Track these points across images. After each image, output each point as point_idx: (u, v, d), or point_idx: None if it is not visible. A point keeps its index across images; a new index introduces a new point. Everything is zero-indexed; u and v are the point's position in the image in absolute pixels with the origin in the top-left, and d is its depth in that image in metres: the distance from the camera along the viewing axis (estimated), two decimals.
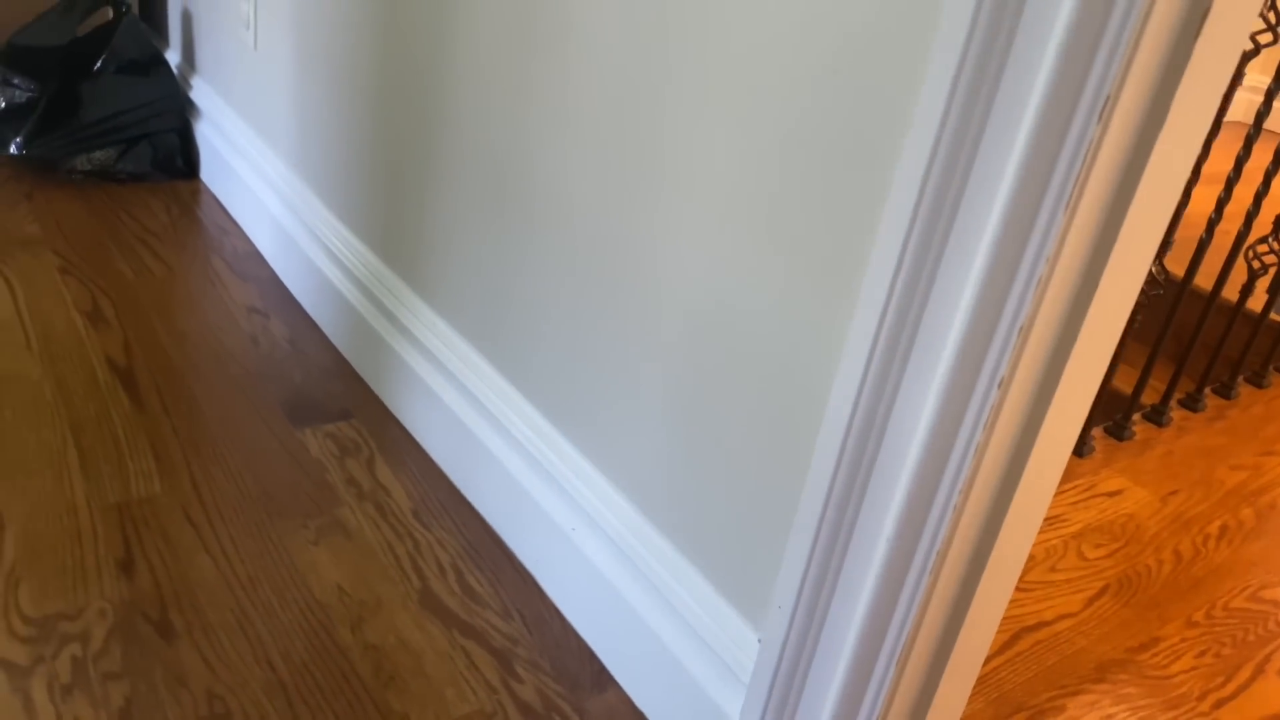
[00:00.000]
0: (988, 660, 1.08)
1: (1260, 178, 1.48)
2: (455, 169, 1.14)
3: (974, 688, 1.03)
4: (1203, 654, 1.13)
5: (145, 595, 0.99)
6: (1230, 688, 1.09)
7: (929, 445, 0.65)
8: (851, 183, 0.68)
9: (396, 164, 1.26)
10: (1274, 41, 1.25)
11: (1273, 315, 1.74)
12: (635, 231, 0.88)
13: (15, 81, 1.79)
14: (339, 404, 1.34)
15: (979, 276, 0.59)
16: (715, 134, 0.78)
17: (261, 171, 1.66)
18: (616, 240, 0.91)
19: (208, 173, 1.92)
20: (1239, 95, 3.42)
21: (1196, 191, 1.40)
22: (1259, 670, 1.12)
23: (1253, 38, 1.25)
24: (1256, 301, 1.74)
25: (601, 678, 0.98)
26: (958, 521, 0.66)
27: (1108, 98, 0.51)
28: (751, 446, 0.81)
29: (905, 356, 0.65)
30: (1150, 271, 1.37)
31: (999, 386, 0.61)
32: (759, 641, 0.83)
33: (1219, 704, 1.07)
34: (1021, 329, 0.59)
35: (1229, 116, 3.39)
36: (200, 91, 1.92)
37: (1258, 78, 3.34)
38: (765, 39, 0.72)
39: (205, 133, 1.89)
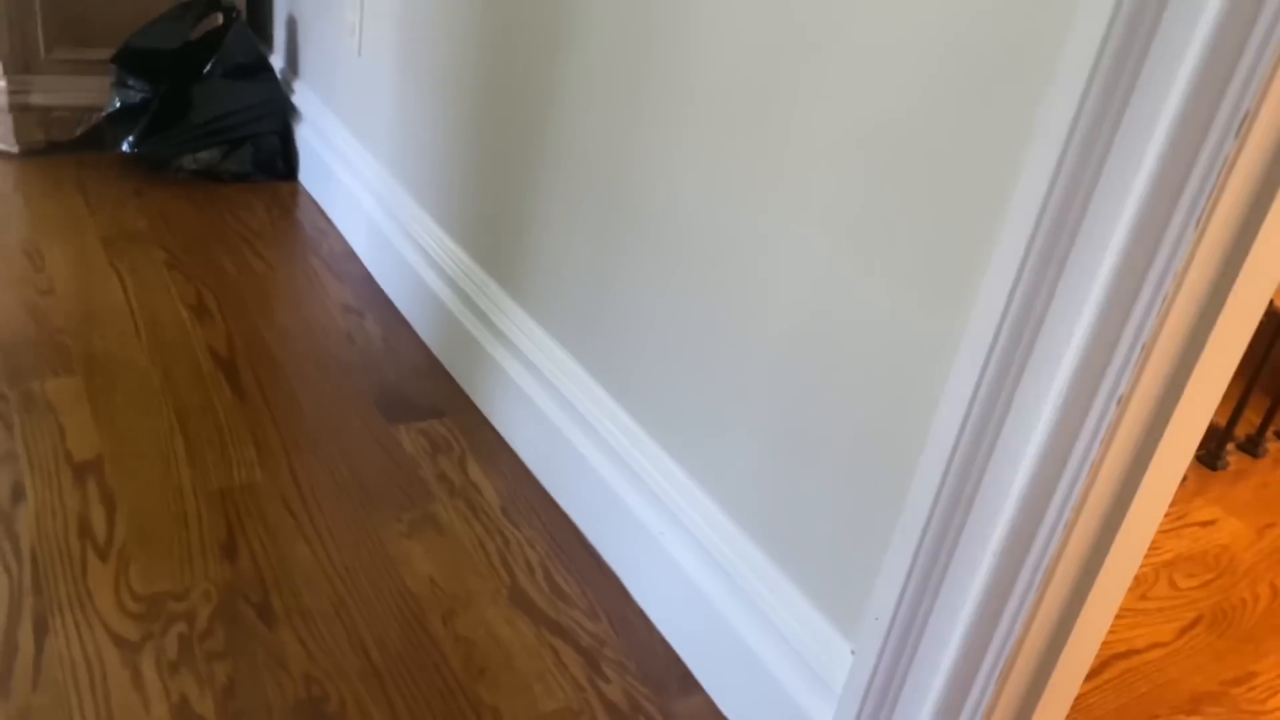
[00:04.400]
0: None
1: None
2: (555, 172, 1.16)
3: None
4: None
5: (247, 579, 1.02)
6: None
7: (1041, 461, 0.64)
8: (971, 194, 0.69)
9: (494, 168, 1.29)
10: None
11: None
12: (742, 238, 0.89)
13: (130, 83, 1.86)
14: (431, 402, 1.36)
15: (1102, 290, 0.59)
16: (829, 142, 0.79)
17: (359, 174, 1.71)
18: (721, 247, 0.92)
19: (306, 175, 1.97)
20: None
21: None
22: None
23: None
24: None
25: (687, 682, 0.99)
26: (1067, 540, 0.66)
27: (1247, 112, 0.51)
28: (853, 458, 0.81)
29: (1020, 371, 0.65)
30: None
31: (1118, 403, 0.60)
32: (852, 653, 0.83)
33: None
34: (1145, 346, 0.58)
35: None
36: (302, 96, 1.98)
37: None
38: (887, 43, 0.73)
39: (305, 136, 1.95)
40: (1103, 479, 0.64)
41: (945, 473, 0.70)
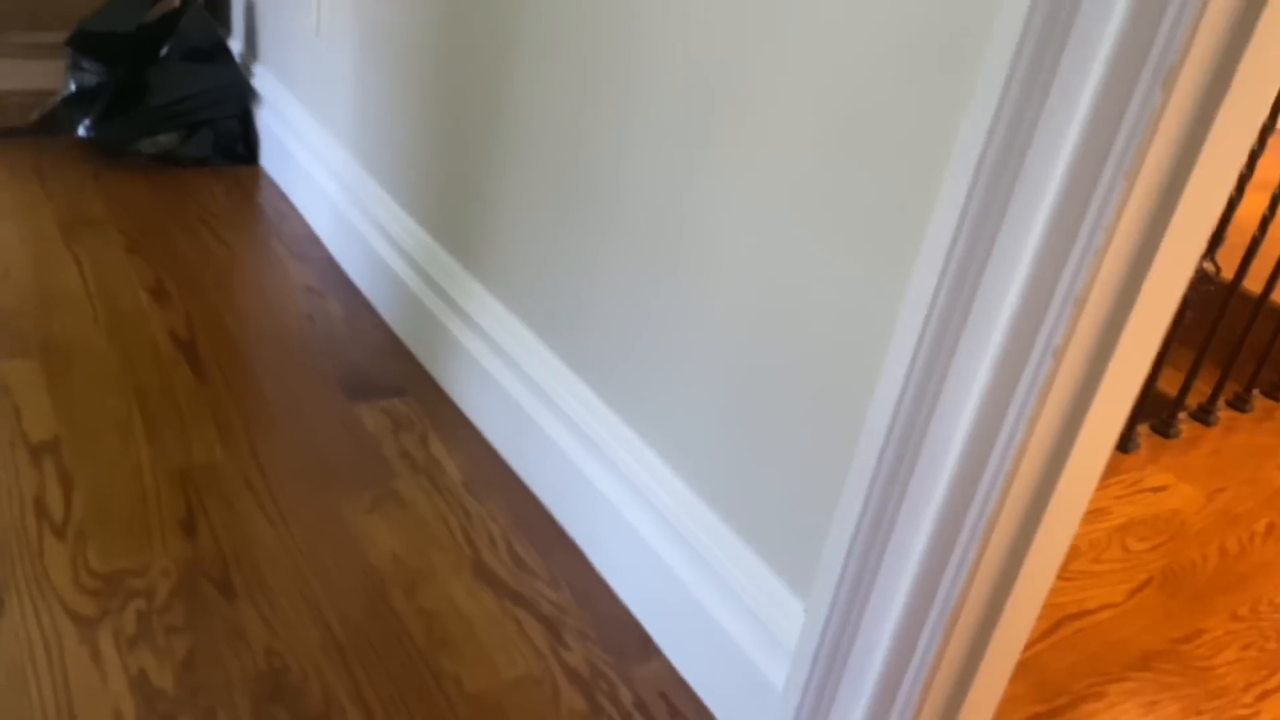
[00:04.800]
0: (1030, 645, 1.08)
1: None
2: (513, 152, 1.16)
3: (1016, 670, 1.04)
4: (1247, 647, 1.13)
5: (207, 556, 1.03)
6: (1275, 681, 1.09)
7: (981, 415, 0.66)
8: (911, 161, 0.70)
9: (454, 148, 1.29)
10: None
11: None
12: (691, 212, 0.90)
13: (85, 65, 1.84)
14: (393, 381, 1.37)
15: (1036, 245, 0.60)
16: (776, 116, 0.80)
17: (320, 157, 1.70)
18: (672, 220, 0.93)
19: (267, 158, 1.96)
20: None
21: (1247, 198, 1.39)
22: None
23: None
24: None
25: (648, 648, 1.00)
26: (1008, 491, 0.68)
27: (1171, 66, 0.52)
28: (802, 421, 0.82)
29: (960, 326, 0.66)
30: (1202, 267, 1.36)
31: (1053, 356, 0.62)
32: (805, 611, 0.84)
33: (1263, 696, 1.07)
34: (1077, 299, 0.60)
35: None
36: (261, 79, 1.97)
37: None
38: (831, 21, 0.74)
39: (265, 119, 1.94)
40: (1040, 430, 0.66)
41: (889, 432, 0.72)
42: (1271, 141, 1.41)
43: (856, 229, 0.75)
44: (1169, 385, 1.62)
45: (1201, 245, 0.64)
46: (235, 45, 2.10)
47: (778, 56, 0.79)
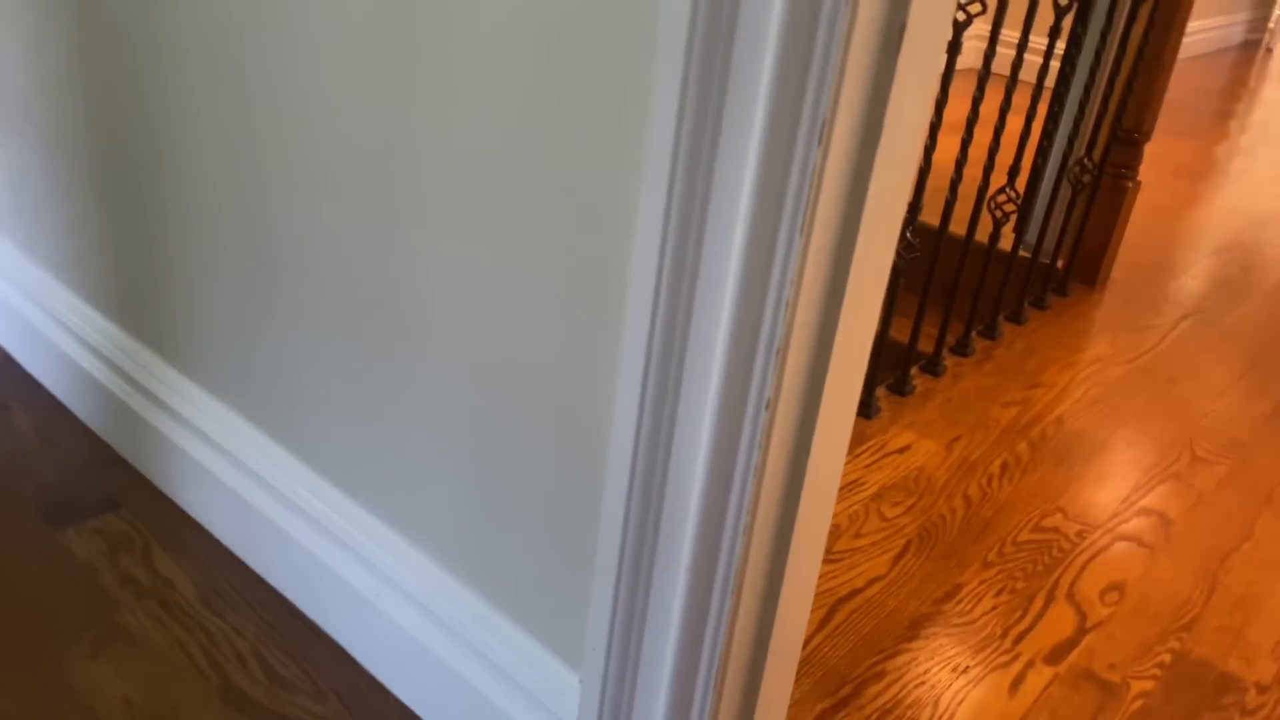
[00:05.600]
0: (808, 640, 1.10)
1: (995, 121, 1.58)
2: (190, 227, 1.05)
3: (798, 671, 1.06)
4: (1000, 592, 1.20)
5: None
6: (1027, 620, 1.17)
7: (712, 462, 0.64)
8: (594, 212, 0.67)
9: (126, 228, 1.16)
10: (984, 11, 1.32)
11: (1021, 252, 1.87)
12: (387, 275, 0.84)
13: None
14: (103, 494, 1.22)
15: (733, 301, 0.59)
16: (449, 176, 0.75)
17: None
18: (375, 289, 0.86)
19: None
20: (967, 44, 3.65)
21: (941, 140, 1.47)
22: (1050, 598, 1.20)
23: (964, 8, 1.33)
24: (1006, 242, 1.86)
25: None
26: (752, 525, 0.66)
27: (823, 122, 0.51)
28: (543, 490, 0.79)
29: (678, 380, 0.64)
30: (906, 238, 1.43)
31: (766, 408, 0.61)
32: (580, 682, 0.81)
33: (1019, 638, 1.14)
34: (779, 350, 0.59)
35: (961, 65, 3.62)
36: None
37: (982, 26, 3.58)
38: (492, 92, 0.70)
39: None
40: (771, 467, 0.65)
41: (630, 486, 0.69)
42: (955, 82, 1.50)
43: (555, 289, 0.71)
44: (900, 333, 1.70)
45: (881, 283, 0.64)
46: None
47: (441, 112, 0.74)
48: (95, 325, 1.28)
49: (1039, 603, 1.19)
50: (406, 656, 0.95)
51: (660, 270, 0.60)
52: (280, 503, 1.05)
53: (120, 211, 1.16)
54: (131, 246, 1.16)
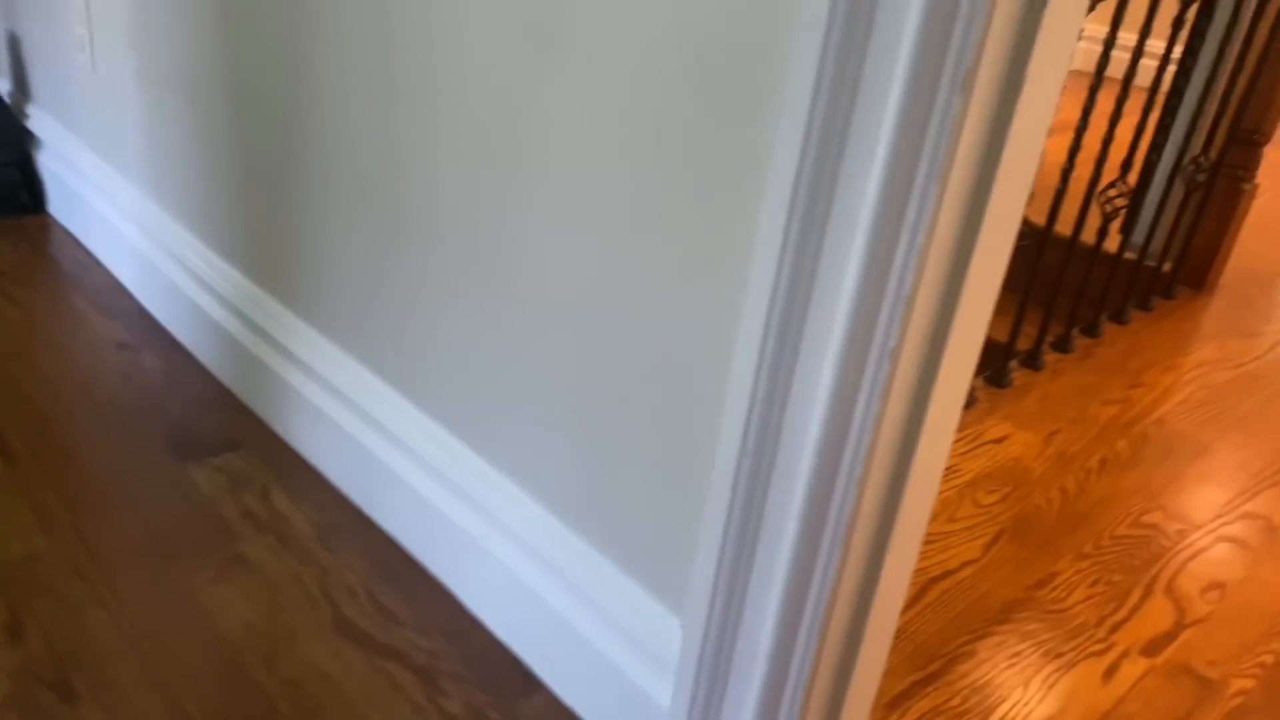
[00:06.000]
0: (900, 614, 1.11)
1: (1105, 124, 1.56)
2: (322, 178, 1.11)
3: (891, 643, 1.07)
4: (1095, 583, 1.19)
5: (38, 660, 0.94)
6: (1123, 612, 1.15)
7: (829, 418, 0.66)
8: (726, 173, 0.69)
9: (258, 178, 1.22)
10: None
11: (1127, 255, 1.84)
12: (513, 228, 0.88)
13: None
14: (225, 435, 1.29)
15: (861, 252, 0.60)
16: (589, 125, 0.78)
17: (114, 200, 1.58)
18: (494, 238, 0.90)
19: (56, 206, 1.82)
20: (1078, 46, 3.58)
21: (1048, 142, 1.46)
22: (1148, 592, 1.19)
23: None
24: (1112, 243, 1.83)
25: (529, 682, 0.97)
26: (863, 490, 0.68)
27: (967, 70, 0.53)
28: (655, 436, 0.81)
29: (798, 334, 0.66)
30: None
31: (890, 357, 0.62)
32: (681, 626, 0.83)
33: (1115, 628, 1.13)
34: (907, 298, 0.60)
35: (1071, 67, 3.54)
36: (38, 121, 1.82)
37: (1094, 27, 3.50)
38: (632, 32, 0.73)
39: (48, 164, 1.79)
40: (887, 428, 0.66)
41: (743, 438, 0.71)
42: (1068, 82, 1.48)
43: (680, 240, 0.74)
44: (999, 332, 1.69)
45: (1013, 233, 0.65)
46: (3, 85, 1.94)
47: (579, 68, 0.77)
48: (220, 272, 1.34)
49: (1136, 595, 1.18)
50: (510, 596, 0.98)
51: (790, 214, 0.62)
52: (394, 446, 1.09)
53: (252, 161, 1.22)
54: (260, 196, 1.22)
